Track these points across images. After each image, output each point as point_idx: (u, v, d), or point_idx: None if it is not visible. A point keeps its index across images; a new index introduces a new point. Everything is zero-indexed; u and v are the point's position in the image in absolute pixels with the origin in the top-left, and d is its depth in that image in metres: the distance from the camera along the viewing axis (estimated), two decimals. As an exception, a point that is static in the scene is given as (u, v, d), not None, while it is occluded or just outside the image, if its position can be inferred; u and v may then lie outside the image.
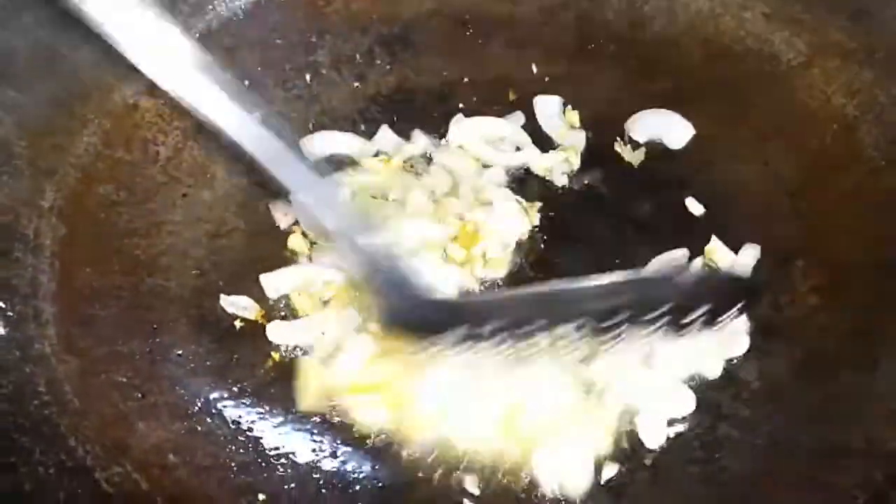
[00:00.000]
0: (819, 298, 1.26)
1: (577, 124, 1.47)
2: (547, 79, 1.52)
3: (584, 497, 1.15)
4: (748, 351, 1.24)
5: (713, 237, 1.32)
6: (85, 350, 1.21)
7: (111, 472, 1.11)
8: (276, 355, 1.27)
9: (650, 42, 1.51)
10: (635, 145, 1.45)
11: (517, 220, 1.37)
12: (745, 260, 1.30)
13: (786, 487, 1.11)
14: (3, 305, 1.20)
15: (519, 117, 1.48)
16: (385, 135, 1.47)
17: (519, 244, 1.36)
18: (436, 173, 1.43)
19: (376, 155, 1.46)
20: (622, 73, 1.50)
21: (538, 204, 1.39)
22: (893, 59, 1.34)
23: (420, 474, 1.17)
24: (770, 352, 1.24)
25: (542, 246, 1.36)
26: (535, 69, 1.52)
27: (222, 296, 1.30)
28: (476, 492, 1.16)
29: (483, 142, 1.46)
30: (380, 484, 1.17)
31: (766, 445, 1.16)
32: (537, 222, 1.38)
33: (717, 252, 1.31)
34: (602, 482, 1.16)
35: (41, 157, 1.29)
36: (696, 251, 1.33)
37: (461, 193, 1.40)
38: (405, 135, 1.48)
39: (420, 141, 1.46)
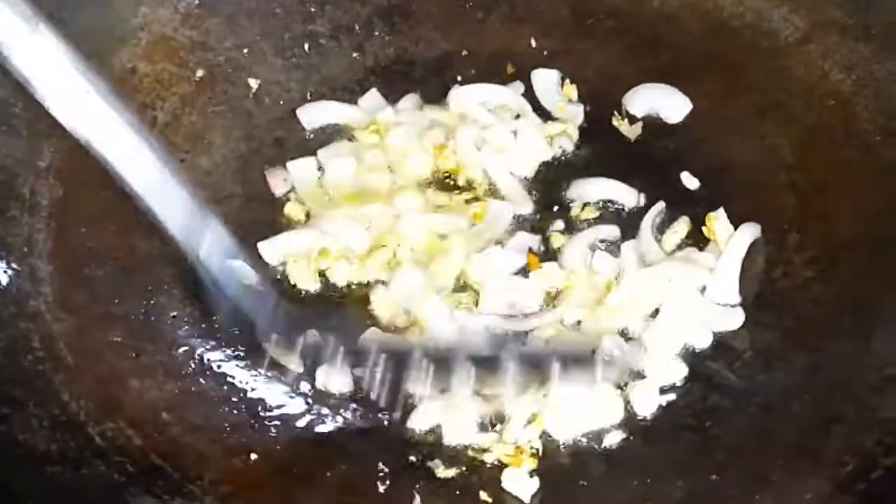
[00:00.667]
0: (813, 271, 1.26)
1: (575, 98, 1.48)
2: (545, 52, 1.52)
3: (576, 463, 1.16)
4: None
5: (721, 209, 1.31)
6: (80, 309, 1.21)
7: (104, 428, 1.11)
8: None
9: (648, 17, 1.51)
10: (632, 119, 1.45)
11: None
12: (743, 238, 1.30)
13: (776, 454, 1.10)
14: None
15: (518, 87, 1.49)
16: (373, 98, 1.49)
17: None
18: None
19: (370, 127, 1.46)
20: (620, 48, 1.51)
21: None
22: (891, 35, 1.34)
23: (414, 436, 1.18)
24: (762, 322, 1.24)
25: (538, 217, 1.37)
26: (533, 43, 1.53)
27: (213, 261, 1.31)
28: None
29: (483, 109, 1.46)
30: (374, 446, 1.17)
31: (757, 414, 1.16)
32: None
33: (718, 222, 1.31)
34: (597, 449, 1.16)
35: (39, 118, 1.27)
36: (692, 224, 1.33)
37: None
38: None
39: (411, 101, 1.48)
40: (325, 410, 1.20)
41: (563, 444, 1.17)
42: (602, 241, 1.33)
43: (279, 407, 1.20)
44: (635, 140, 1.44)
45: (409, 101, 1.48)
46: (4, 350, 1.14)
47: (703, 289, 1.27)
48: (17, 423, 1.07)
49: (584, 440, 1.17)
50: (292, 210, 1.38)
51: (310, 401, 1.20)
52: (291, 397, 1.20)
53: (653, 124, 1.45)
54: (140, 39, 1.41)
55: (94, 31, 1.36)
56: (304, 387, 1.21)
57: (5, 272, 1.20)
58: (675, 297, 1.25)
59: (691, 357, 1.22)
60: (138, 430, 1.13)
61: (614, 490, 1.13)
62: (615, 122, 1.45)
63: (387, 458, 1.16)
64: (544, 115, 1.47)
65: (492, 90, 1.47)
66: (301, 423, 1.19)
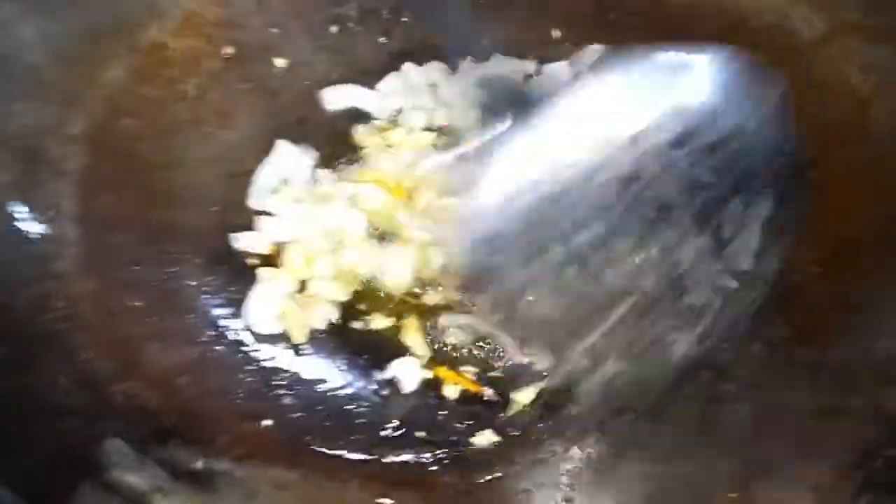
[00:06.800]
0: (823, 268, 1.27)
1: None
2: (567, 45, 1.54)
3: (582, 446, 1.17)
4: (751, 315, 1.26)
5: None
6: (103, 272, 1.24)
7: (122, 387, 1.13)
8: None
9: (670, 13, 1.52)
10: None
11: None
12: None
13: (780, 442, 1.12)
14: (27, 224, 1.22)
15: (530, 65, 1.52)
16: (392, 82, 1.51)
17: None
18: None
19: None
20: (642, 43, 1.51)
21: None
22: (912, 38, 1.35)
23: (425, 408, 1.21)
24: (772, 315, 1.24)
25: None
26: (555, 35, 1.54)
27: (230, 235, 1.33)
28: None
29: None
30: (384, 417, 1.20)
31: (763, 403, 1.18)
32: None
33: None
34: (601, 430, 1.18)
35: (70, 86, 1.31)
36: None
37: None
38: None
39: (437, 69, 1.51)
40: (337, 382, 1.22)
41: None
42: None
43: (293, 376, 1.22)
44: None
45: (435, 68, 1.52)
46: (29, 307, 1.16)
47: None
48: (37, 378, 1.09)
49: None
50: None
51: (324, 371, 1.23)
52: (305, 367, 1.23)
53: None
54: (172, 14, 1.43)
55: (125, 4, 1.38)
56: (319, 356, 1.24)
57: (33, 233, 1.22)
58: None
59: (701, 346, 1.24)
60: (155, 391, 1.15)
61: (618, 471, 1.14)
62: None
63: (396, 431, 1.19)
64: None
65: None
66: (314, 391, 1.21)
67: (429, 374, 1.23)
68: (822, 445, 1.10)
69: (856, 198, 1.31)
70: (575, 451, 1.17)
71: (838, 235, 1.29)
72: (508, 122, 1.28)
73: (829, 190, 1.32)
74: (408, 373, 1.23)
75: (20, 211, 1.22)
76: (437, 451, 1.18)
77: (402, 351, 1.25)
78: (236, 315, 1.26)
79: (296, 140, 1.43)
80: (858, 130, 1.35)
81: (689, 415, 1.19)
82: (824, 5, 1.41)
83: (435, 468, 1.16)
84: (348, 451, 1.16)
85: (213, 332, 1.24)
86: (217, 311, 1.26)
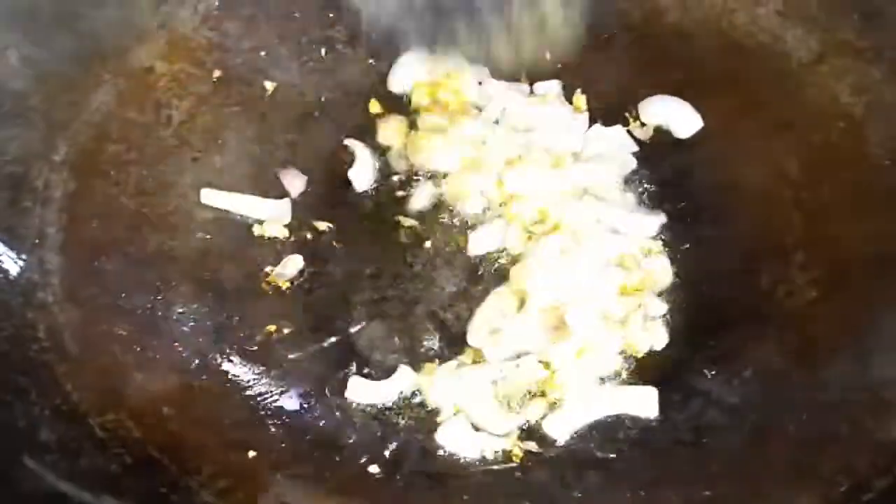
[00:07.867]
0: (817, 291, 1.26)
1: (584, 108, 1.48)
2: (559, 65, 1.52)
3: (571, 472, 1.16)
4: (741, 341, 1.25)
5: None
6: (87, 301, 1.23)
7: (105, 419, 1.12)
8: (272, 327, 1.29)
9: (664, 33, 1.50)
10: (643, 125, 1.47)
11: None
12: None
13: (770, 471, 1.11)
14: (10, 253, 1.21)
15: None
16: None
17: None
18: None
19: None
20: (634, 63, 1.50)
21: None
22: (904, 59, 1.34)
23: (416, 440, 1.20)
24: (763, 341, 1.24)
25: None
26: (547, 55, 1.53)
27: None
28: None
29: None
30: (369, 448, 1.19)
31: (753, 431, 1.16)
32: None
33: None
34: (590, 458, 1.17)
35: (56, 112, 1.31)
36: (698, 238, 1.35)
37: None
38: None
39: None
40: (325, 411, 1.21)
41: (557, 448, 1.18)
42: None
43: (279, 406, 1.21)
44: (642, 154, 1.44)
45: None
46: (10, 339, 1.15)
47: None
48: (19, 411, 1.08)
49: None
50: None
51: (310, 402, 1.22)
52: (291, 398, 1.22)
53: (662, 138, 1.45)
54: (159, 38, 1.42)
55: (113, 28, 1.38)
56: (305, 387, 1.23)
57: (15, 263, 1.21)
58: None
59: (692, 375, 1.23)
60: (138, 422, 1.14)
61: (609, 501, 1.13)
62: (629, 127, 1.46)
63: (387, 464, 1.18)
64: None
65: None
66: (300, 422, 1.20)
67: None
68: (813, 476, 1.08)
69: (850, 220, 1.30)
70: (563, 481, 1.16)
71: (831, 258, 1.28)
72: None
73: (822, 212, 1.32)
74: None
75: (3, 239, 1.21)
76: (430, 484, 1.16)
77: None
78: (221, 345, 1.25)
79: (285, 164, 1.42)
80: (851, 151, 1.34)
81: (677, 442, 1.18)
82: (817, 26, 1.40)
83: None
84: (335, 484, 1.15)
85: (199, 361, 1.23)
86: (203, 340, 1.25)
